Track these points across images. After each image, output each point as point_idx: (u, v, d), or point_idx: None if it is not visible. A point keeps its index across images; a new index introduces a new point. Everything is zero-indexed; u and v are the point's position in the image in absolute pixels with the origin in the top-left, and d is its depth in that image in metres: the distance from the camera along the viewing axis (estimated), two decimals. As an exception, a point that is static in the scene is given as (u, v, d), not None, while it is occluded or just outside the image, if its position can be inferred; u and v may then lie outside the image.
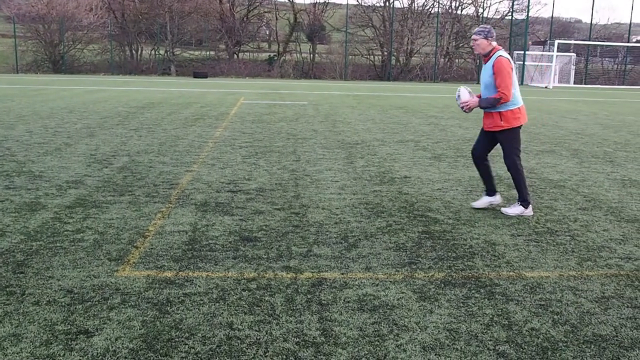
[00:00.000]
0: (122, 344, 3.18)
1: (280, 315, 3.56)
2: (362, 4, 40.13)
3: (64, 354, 3.06)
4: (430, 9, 40.47)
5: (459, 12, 40.99)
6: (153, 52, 37.48)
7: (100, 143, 9.62)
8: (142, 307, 3.61)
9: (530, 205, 5.93)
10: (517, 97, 5.75)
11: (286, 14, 41.55)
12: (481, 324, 3.49)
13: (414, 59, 39.46)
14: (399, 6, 45.35)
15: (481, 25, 5.80)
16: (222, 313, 3.56)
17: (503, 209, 5.95)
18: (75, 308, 3.58)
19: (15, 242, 4.75)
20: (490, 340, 3.31)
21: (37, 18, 34.46)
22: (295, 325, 3.43)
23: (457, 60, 40.69)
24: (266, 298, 3.79)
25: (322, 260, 4.48)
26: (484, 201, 6.11)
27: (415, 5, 40.01)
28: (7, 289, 3.82)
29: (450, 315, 3.61)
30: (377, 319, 3.54)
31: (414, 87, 27.30)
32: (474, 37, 5.73)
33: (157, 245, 4.76)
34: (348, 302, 3.76)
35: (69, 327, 3.35)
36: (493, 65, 5.63)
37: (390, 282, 4.11)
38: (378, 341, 3.27)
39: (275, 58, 38.75)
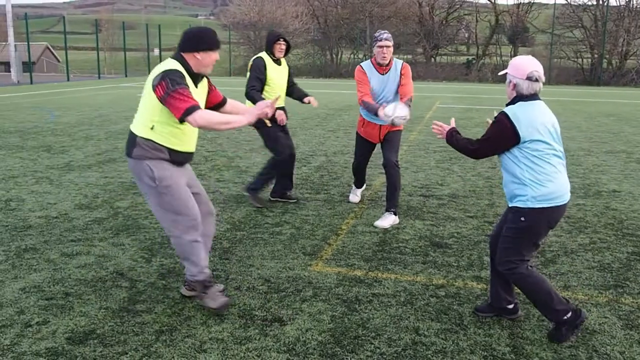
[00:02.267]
0: (312, 335, 3.32)
1: (468, 326, 3.44)
2: (572, 3, 37.39)
3: (259, 338, 3.28)
4: (652, 6, 36.36)
5: (688, 8, 36.23)
6: (352, 55, 38.73)
7: (300, 142, 10.17)
8: (332, 302, 3.74)
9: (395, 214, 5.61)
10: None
11: (487, 16, 40.23)
12: (703, 364, 3.05)
13: (630, 61, 35.71)
14: (614, 4, 41.50)
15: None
16: (409, 317, 3.55)
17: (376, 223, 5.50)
18: (271, 297, 3.82)
19: (223, 230, 5.22)
20: None
21: (249, 25, 37.62)
22: (483, 338, 3.30)
23: (681, 64, 36.05)
24: (454, 307, 3.70)
25: (516, 274, 4.24)
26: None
27: (634, 2, 36.23)
28: (214, 272, 4.21)
29: (664, 349, 3.20)
30: (575, 342, 3.27)
31: (628, 93, 24.81)
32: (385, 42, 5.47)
33: (349, 243, 4.89)
34: (542, 320, 3.52)
35: (265, 313, 3.58)
36: None
37: (592, 304, 3.77)
38: (575, 367, 3.02)
39: (474, 61, 37.72)
